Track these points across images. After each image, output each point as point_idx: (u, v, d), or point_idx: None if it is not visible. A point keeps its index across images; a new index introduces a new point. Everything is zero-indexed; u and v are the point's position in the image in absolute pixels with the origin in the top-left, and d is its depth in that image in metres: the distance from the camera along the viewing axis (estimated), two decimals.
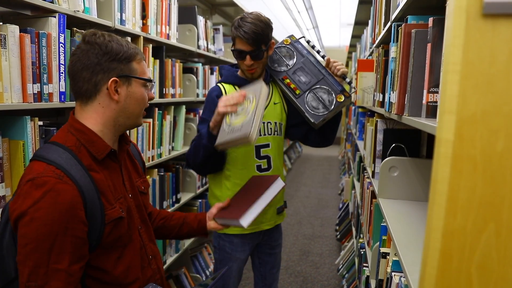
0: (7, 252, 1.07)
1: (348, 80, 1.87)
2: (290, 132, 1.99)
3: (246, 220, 1.35)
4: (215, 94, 1.80)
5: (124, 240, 1.16)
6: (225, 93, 1.82)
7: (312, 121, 1.82)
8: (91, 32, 1.10)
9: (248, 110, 1.44)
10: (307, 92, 1.85)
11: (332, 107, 1.82)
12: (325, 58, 1.90)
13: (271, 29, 1.77)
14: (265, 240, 1.98)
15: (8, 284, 1.08)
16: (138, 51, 1.15)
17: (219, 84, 1.86)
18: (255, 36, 1.69)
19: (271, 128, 1.87)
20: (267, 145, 1.85)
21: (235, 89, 1.84)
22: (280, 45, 1.92)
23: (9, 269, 1.07)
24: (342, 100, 1.82)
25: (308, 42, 1.99)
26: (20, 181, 1.03)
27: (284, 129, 1.96)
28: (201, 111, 3.07)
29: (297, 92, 1.85)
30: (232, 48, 1.77)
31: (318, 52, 1.96)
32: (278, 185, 1.49)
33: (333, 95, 1.83)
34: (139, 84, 1.14)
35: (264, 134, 1.85)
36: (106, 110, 1.11)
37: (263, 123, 1.84)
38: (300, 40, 1.95)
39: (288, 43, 1.92)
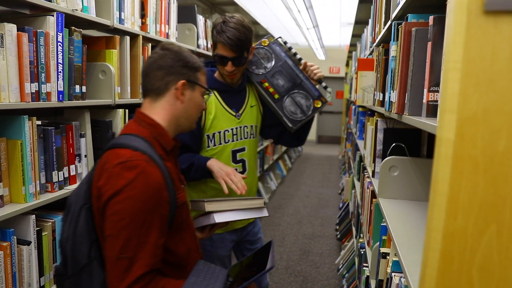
0: (81, 238, 1.14)
1: (324, 84, 1.88)
2: (264, 132, 2.01)
3: (219, 218, 1.42)
4: None
5: (184, 224, 1.26)
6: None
7: (291, 125, 1.84)
8: (168, 42, 1.30)
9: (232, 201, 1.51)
10: (285, 97, 1.86)
11: (310, 112, 1.85)
12: (302, 61, 1.89)
13: (252, 34, 1.74)
14: (244, 237, 1.99)
15: (79, 271, 1.15)
16: (203, 65, 1.32)
17: None
18: (239, 42, 1.66)
19: (247, 132, 1.86)
20: (243, 149, 1.85)
21: (214, 94, 1.80)
22: (258, 46, 1.90)
23: (81, 256, 1.14)
24: (319, 106, 1.85)
25: (285, 43, 1.97)
26: (105, 165, 1.12)
27: (259, 131, 1.97)
28: None
29: (276, 96, 1.86)
30: (214, 53, 1.74)
31: (295, 54, 1.95)
32: (261, 212, 1.56)
33: (311, 100, 1.85)
34: (200, 93, 1.29)
35: (241, 138, 1.84)
36: (172, 108, 1.24)
37: (240, 127, 1.84)
38: (277, 40, 1.94)
39: (266, 44, 1.90)
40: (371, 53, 2.83)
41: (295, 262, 3.82)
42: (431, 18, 1.13)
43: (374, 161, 2.03)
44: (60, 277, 1.19)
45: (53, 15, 1.55)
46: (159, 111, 1.23)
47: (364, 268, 2.17)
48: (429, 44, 1.14)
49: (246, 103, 1.88)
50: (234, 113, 1.83)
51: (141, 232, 1.08)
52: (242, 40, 1.67)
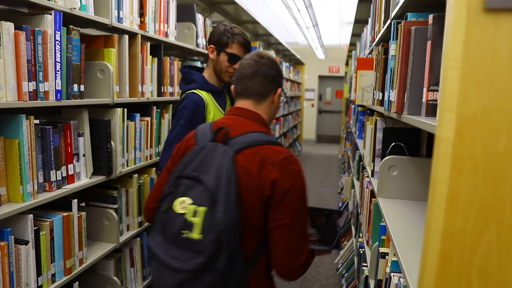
0: (237, 228, 1.18)
1: None
2: None
3: None
4: (202, 105, 1.87)
5: None
6: (205, 101, 1.89)
7: None
8: (264, 51, 1.50)
9: None
10: None
11: None
12: None
13: None
14: None
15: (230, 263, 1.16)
16: None
17: (196, 92, 1.88)
18: (250, 44, 1.95)
19: None
20: None
21: (210, 97, 1.93)
22: None
23: (235, 247, 1.18)
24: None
25: None
26: (268, 160, 1.25)
27: None
28: None
29: None
30: (229, 52, 1.89)
31: None
32: None
33: None
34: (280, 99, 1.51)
35: None
36: (269, 110, 1.44)
37: None
38: None
39: None
40: (370, 52, 2.82)
41: None
42: (430, 16, 1.12)
43: (373, 161, 2.03)
44: (198, 273, 1.15)
45: (51, 14, 1.54)
46: (263, 113, 1.42)
47: (363, 267, 2.16)
48: (429, 43, 1.13)
49: (227, 103, 2.06)
50: (223, 112, 1.95)
51: (307, 212, 1.32)
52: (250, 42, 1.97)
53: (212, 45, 1.91)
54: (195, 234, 1.15)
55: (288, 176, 1.25)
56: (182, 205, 1.19)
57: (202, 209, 1.15)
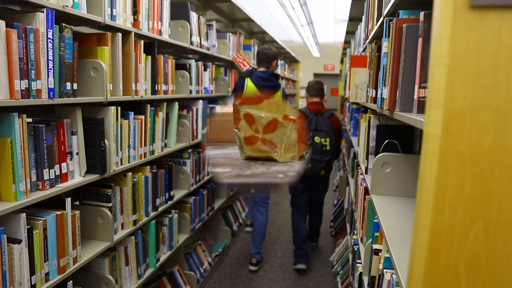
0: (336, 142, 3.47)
1: None
2: None
3: None
4: None
5: None
6: None
7: None
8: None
9: None
10: None
11: None
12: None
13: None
14: None
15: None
16: None
17: None
18: None
19: None
20: None
21: None
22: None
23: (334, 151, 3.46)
24: None
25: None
26: (337, 120, 3.43)
27: None
28: (194, 108, 3.07)
29: None
30: (276, 64, 3.46)
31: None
32: None
33: None
34: None
35: None
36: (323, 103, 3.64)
37: None
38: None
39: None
40: (364, 50, 2.83)
41: (290, 259, 3.82)
42: (421, 14, 1.12)
43: (367, 158, 2.04)
44: (329, 161, 3.33)
45: (43, 12, 1.53)
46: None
47: (357, 264, 2.17)
48: (420, 40, 1.14)
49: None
50: None
51: None
52: None
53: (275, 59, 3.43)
54: (328, 147, 3.24)
55: (341, 126, 3.38)
56: (318, 139, 3.19)
57: (328, 139, 3.23)
